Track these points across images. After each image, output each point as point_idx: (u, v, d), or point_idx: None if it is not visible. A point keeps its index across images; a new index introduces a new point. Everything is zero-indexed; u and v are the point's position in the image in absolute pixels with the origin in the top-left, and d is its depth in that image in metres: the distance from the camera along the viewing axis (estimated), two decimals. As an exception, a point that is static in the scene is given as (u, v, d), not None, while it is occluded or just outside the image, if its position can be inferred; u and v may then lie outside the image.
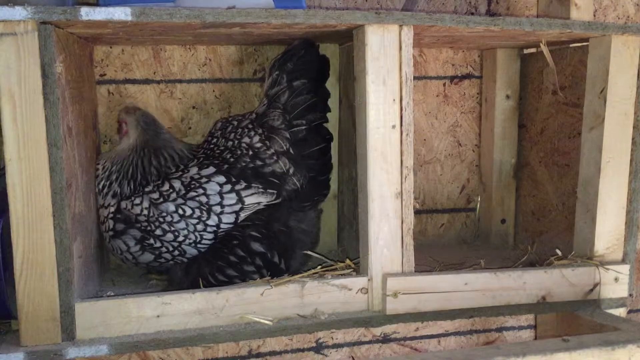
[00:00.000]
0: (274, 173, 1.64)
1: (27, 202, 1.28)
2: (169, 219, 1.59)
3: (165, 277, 1.74)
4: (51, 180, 1.29)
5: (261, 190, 1.62)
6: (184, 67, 1.90)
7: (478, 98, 2.16)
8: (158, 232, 1.59)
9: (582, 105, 1.70)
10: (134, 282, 1.73)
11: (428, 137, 2.13)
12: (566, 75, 1.82)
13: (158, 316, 1.41)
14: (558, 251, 1.71)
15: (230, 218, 1.60)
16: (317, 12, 1.41)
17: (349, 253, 1.82)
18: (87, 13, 1.28)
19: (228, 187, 1.60)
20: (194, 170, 1.63)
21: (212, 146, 1.70)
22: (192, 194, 1.59)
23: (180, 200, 1.59)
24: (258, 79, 1.94)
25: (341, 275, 1.55)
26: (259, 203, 1.62)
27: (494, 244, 2.12)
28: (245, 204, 1.61)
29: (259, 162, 1.64)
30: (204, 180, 1.61)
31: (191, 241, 1.60)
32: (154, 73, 1.88)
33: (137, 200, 1.61)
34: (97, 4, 1.37)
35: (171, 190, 1.60)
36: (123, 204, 1.61)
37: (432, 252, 1.97)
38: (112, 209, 1.62)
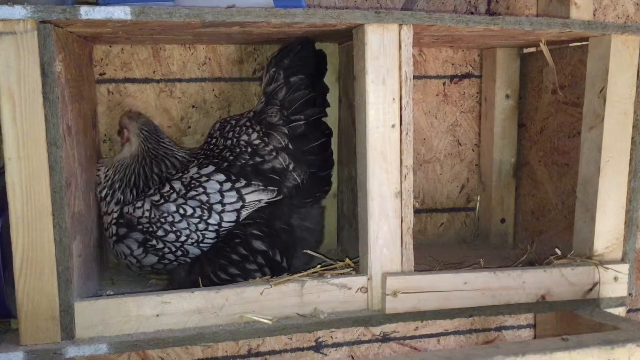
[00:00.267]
0: (273, 169, 1.64)
1: (27, 201, 1.28)
2: (170, 219, 1.59)
3: (165, 277, 1.74)
4: (50, 179, 1.29)
5: (261, 187, 1.62)
6: (184, 66, 1.90)
7: (478, 97, 2.16)
8: (160, 233, 1.59)
9: (582, 105, 1.70)
10: (133, 281, 1.73)
11: (428, 137, 2.13)
12: (566, 75, 1.82)
13: (157, 315, 1.41)
14: (557, 250, 1.71)
15: (232, 216, 1.60)
16: (316, 11, 1.41)
17: (349, 252, 1.82)
18: (87, 12, 1.28)
19: (228, 185, 1.60)
20: (193, 170, 1.63)
21: (211, 146, 1.70)
22: (193, 193, 1.59)
23: (180, 200, 1.59)
24: (258, 78, 1.94)
25: (341, 274, 1.55)
26: (259, 200, 1.62)
27: (493, 243, 2.12)
28: (246, 201, 1.61)
29: (258, 159, 1.63)
30: (203, 179, 1.61)
31: (193, 241, 1.61)
32: (154, 72, 1.88)
33: (139, 204, 1.61)
34: (96, 3, 1.37)
35: (171, 191, 1.60)
36: (125, 209, 1.62)
37: (431, 252, 1.97)
38: (115, 215, 1.63)
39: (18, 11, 1.23)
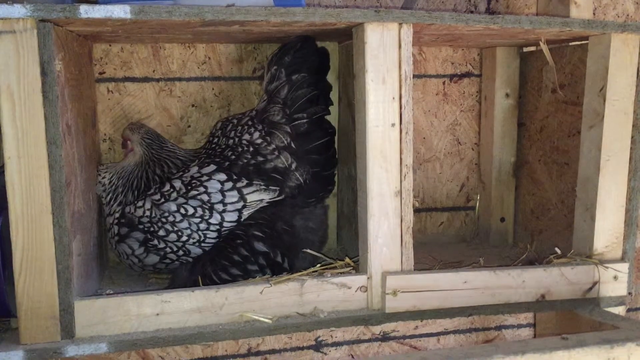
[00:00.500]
0: (276, 169, 1.63)
1: (27, 200, 1.28)
2: (171, 219, 1.59)
3: (166, 276, 1.74)
4: (50, 178, 1.29)
5: (263, 187, 1.62)
6: (184, 65, 1.90)
7: (477, 96, 2.16)
8: (161, 232, 1.59)
9: (582, 104, 1.70)
10: (133, 281, 1.73)
11: (427, 136, 2.13)
12: (566, 74, 1.82)
13: (157, 314, 1.41)
14: (557, 249, 1.71)
15: (233, 216, 1.60)
16: (316, 10, 1.41)
17: (349, 251, 1.82)
18: (86, 11, 1.28)
19: (229, 184, 1.60)
20: (194, 170, 1.63)
21: (213, 145, 1.70)
22: (194, 192, 1.59)
23: (181, 200, 1.59)
24: (257, 77, 1.94)
25: (340, 273, 1.55)
26: (261, 200, 1.62)
27: (493, 243, 2.12)
28: (248, 201, 1.60)
29: (260, 158, 1.63)
30: (204, 178, 1.61)
31: (195, 240, 1.60)
32: (154, 71, 1.88)
33: (140, 203, 1.62)
34: (96, 2, 1.36)
35: (172, 190, 1.60)
36: (127, 209, 1.63)
37: (431, 251, 1.97)
38: (117, 215, 1.63)
39: (17, 10, 1.23)
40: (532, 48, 2.02)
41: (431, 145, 2.14)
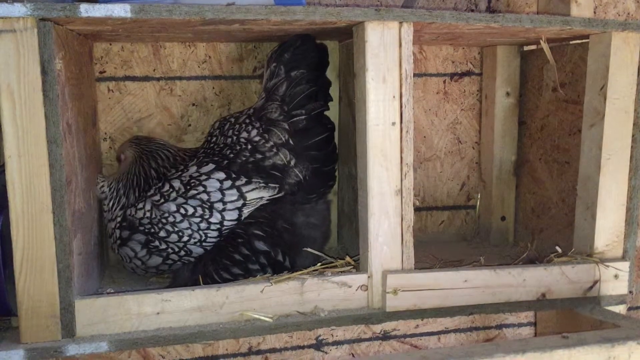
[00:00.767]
0: (275, 166, 1.63)
1: (27, 199, 1.28)
2: (171, 219, 1.59)
3: (167, 276, 1.74)
4: (51, 177, 1.29)
5: (262, 184, 1.62)
6: (184, 64, 1.90)
7: (478, 95, 2.16)
8: (162, 233, 1.59)
9: (582, 102, 1.70)
10: (134, 280, 1.73)
11: (428, 135, 2.13)
12: (566, 72, 1.82)
13: (158, 313, 1.41)
14: (558, 248, 1.71)
15: (234, 215, 1.60)
16: (316, 8, 1.40)
17: (349, 250, 1.82)
18: (87, 10, 1.28)
19: (228, 183, 1.60)
20: (193, 169, 1.63)
21: (211, 145, 1.70)
22: (193, 192, 1.59)
23: (180, 200, 1.59)
24: (258, 76, 1.94)
25: (341, 272, 1.55)
26: (261, 198, 1.62)
27: (493, 241, 2.12)
28: (247, 199, 1.60)
29: (258, 156, 1.63)
30: (203, 177, 1.61)
31: (196, 240, 1.60)
32: (154, 70, 1.88)
33: (140, 205, 1.62)
34: (96, 1, 1.37)
35: (171, 190, 1.60)
36: (128, 212, 1.63)
37: (432, 250, 1.97)
38: (119, 219, 1.64)
39: (18, 9, 1.23)
40: (533, 47, 2.02)
41: (432, 144, 2.14)
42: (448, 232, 2.20)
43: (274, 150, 1.64)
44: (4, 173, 1.28)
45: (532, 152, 2.02)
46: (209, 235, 1.61)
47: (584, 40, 1.73)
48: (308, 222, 1.69)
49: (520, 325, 2.32)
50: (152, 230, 1.60)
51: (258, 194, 1.61)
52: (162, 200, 1.60)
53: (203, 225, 1.59)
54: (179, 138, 1.92)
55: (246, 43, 1.92)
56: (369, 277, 1.52)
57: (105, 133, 1.87)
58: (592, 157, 1.66)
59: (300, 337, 2.12)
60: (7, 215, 1.30)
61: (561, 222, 1.87)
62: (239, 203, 1.60)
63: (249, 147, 1.64)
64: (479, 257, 1.74)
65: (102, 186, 1.69)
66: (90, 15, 1.28)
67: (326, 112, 1.71)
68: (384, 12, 1.44)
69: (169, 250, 1.61)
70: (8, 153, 1.27)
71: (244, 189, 1.60)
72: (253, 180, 1.61)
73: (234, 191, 1.60)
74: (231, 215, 1.60)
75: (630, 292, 1.70)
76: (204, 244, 1.62)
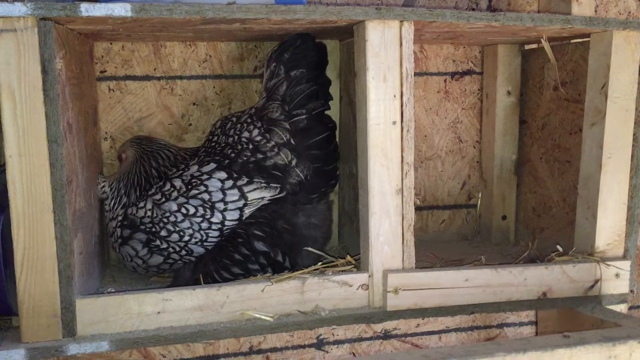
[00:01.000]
0: (276, 166, 1.63)
1: (28, 199, 1.28)
2: (172, 218, 1.59)
3: (168, 275, 1.74)
4: (51, 177, 1.29)
5: (264, 184, 1.61)
6: (185, 64, 1.90)
7: (479, 94, 2.15)
8: (163, 233, 1.59)
9: (583, 101, 1.70)
10: (134, 279, 1.73)
11: (429, 134, 2.13)
12: (567, 71, 1.82)
13: (159, 312, 1.41)
14: (559, 247, 1.71)
15: (235, 215, 1.60)
16: (317, 7, 1.40)
17: (350, 249, 1.82)
18: (87, 9, 1.28)
19: (230, 183, 1.60)
20: (194, 168, 1.63)
21: (213, 144, 1.70)
22: (194, 192, 1.59)
23: (182, 199, 1.59)
24: (259, 75, 1.94)
25: (342, 271, 1.55)
26: (262, 198, 1.62)
27: (494, 241, 2.12)
28: (249, 199, 1.60)
29: (260, 156, 1.63)
30: (204, 177, 1.60)
31: (197, 240, 1.60)
32: (155, 69, 1.88)
33: (141, 204, 1.62)
34: (97, 0, 1.36)
35: (172, 189, 1.60)
36: (129, 210, 1.63)
37: (432, 249, 1.96)
38: (120, 218, 1.64)
39: (18, 8, 1.23)
40: (534, 45, 2.01)
41: (432, 143, 2.14)
42: (449, 231, 2.20)
43: (276, 150, 1.63)
44: (5, 173, 1.28)
45: (533, 151, 2.01)
46: (210, 235, 1.61)
47: (584, 39, 1.73)
48: (309, 222, 1.68)
49: (521, 324, 2.32)
50: (154, 229, 1.60)
51: (259, 194, 1.61)
52: (164, 200, 1.60)
53: (204, 225, 1.59)
54: (180, 137, 1.92)
55: (247, 42, 1.92)
56: (369, 276, 1.52)
57: (106, 132, 1.87)
58: (593, 156, 1.66)
59: (301, 336, 2.12)
60: (8, 214, 1.30)
61: (562, 221, 1.87)
62: (240, 203, 1.60)
63: (251, 146, 1.64)
64: (479, 256, 1.74)
65: (103, 186, 1.70)
66: (91, 15, 1.28)
67: (327, 112, 1.71)
68: (384, 11, 1.43)
69: (170, 249, 1.61)
70: (9, 152, 1.27)
71: (246, 189, 1.60)
72: (254, 180, 1.61)
73: (236, 191, 1.60)
74: (232, 215, 1.60)
75: (632, 291, 1.70)
76: (205, 243, 1.61)
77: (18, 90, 1.25)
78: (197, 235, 1.60)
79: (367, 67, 1.46)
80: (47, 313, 1.33)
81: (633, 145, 1.65)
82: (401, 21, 1.46)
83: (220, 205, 1.59)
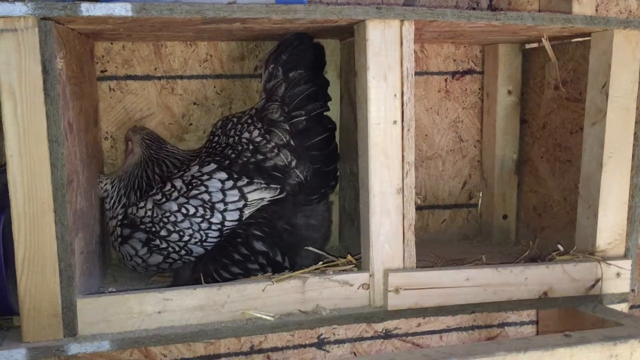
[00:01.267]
0: (276, 167, 1.63)
1: (28, 198, 1.28)
2: (172, 218, 1.59)
3: (168, 275, 1.74)
4: (52, 177, 1.29)
5: (264, 185, 1.61)
6: (185, 63, 1.90)
7: (480, 93, 2.15)
8: (163, 232, 1.59)
9: (584, 101, 1.69)
10: (135, 279, 1.73)
11: (429, 133, 2.13)
12: (568, 70, 1.82)
13: (159, 312, 1.41)
14: (560, 247, 1.71)
15: (234, 215, 1.60)
16: (317, 7, 1.40)
17: (351, 249, 1.81)
18: (88, 9, 1.28)
19: (230, 183, 1.60)
20: (195, 169, 1.63)
21: (213, 144, 1.70)
22: (195, 192, 1.59)
23: (182, 199, 1.59)
24: (259, 75, 1.94)
25: (342, 271, 1.55)
26: (262, 199, 1.62)
27: (495, 240, 2.12)
28: (249, 200, 1.60)
29: (260, 156, 1.63)
30: (205, 177, 1.60)
31: (197, 240, 1.60)
32: (155, 69, 1.88)
33: (142, 204, 1.62)
34: (97, 0, 1.36)
35: (173, 189, 1.60)
36: (129, 210, 1.63)
37: (433, 248, 1.96)
38: (120, 217, 1.64)
39: (19, 8, 1.23)
40: (534, 45, 2.01)
41: (433, 142, 2.14)
42: (450, 231, 2.20)
43: (275, 151, 1.63)
44: (6, 172, 1.28)
45: (533, 150, 2.01)
46: (209, 235, 1.61)
47: (585, 38, 1.73)
48: (308, 223, 1.68)
49: (522, 323, 2.32)
50: (153, 229, 1.60)
51: (259, 195, 1.61)
52: (164, 200, 1.60)
53: (204, 225, 1.59)
54: (181, 137, 1.92)
55: (247, 42, 1.92)
56: (370, 275, 1.52)
57: (107, 132, 1.87)
58: (593, 155, 1.66)
59: (302, 335, 2.12)
60: (8, 214, 1.30)
61: (563, 221, 1.87)
62: (240, 204, 1.60)
63: (251, 147, 1.64)
64: (480, 255, 1.74)
65: (105, 184, 1.69)
66: (91, 14, 1.28)
67: (327, 112, 1.71)
68: (385, 10, 1.43)
69: (170, 249, 1.61)
70: (9, 152, 1.27)
71: (246, 190, 1.60)
72: (254, 180, 1.61)
73: (236, 192, 1.60)
74: (232, 216, 1.60)
75: (633, 290, 1.70)
76: (204, 243, 1.62)
77: (19, 90, 1.25)
78: (197, 235, 1.60)
79: (368, 66, 1.46)
80: (48, 313, 1.33)
81: (634, 145, 1.65)
82: (402, 20, 1.46)
83: (220, 206, 1.59)
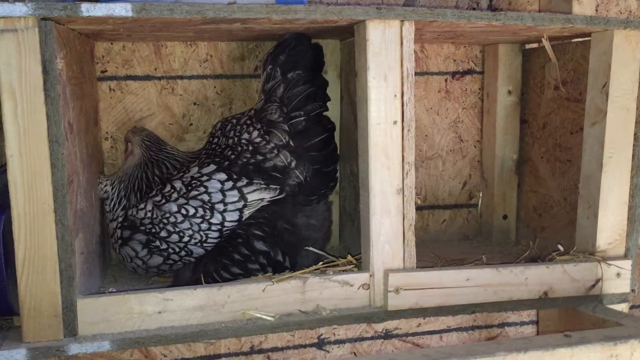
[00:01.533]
0: (275, 167, 1.63)
1: (29, 199, 1.28)
2: (172, 219, 1.59)
3: (169, 276, 1.74)
4: (52, 177, 1.29)
5: (263, 186, 1.61)
6: (185, 63, 1.90)
7: (480, 94, 2.15)
8: (163, 233, 1.59)
9: (584, 101, 1.69)
10: (135, 279, 1.73)
11: (429, 133, 2.13)
12: (568, 70, 1.82)
13: (160, 312, 1.41)
14: (560, 247, 1.71)
15: (234, 215, 1.60)
16: (317, 7, 1.40)
17: (351, 249, 1.82)
18: (88, 9, 1.28)
19: (229, 184, 1.60)
20: (194, 170, 1.63)
21: (213, 146, 1.70)
22: (194, 192, 1.59)
23: (182, 200, 1.59)
24: (259, 75, 1.94)
25: (343, 271, 1.55)
26: (262, 199, 1.62)
27: (495, 240, 2.12)
28: (248, 200, 1.60)
29: (259, 157, 1.63)
30: (204, 178, 1.60)
31: (197, 241, 1.60)
32: (155, 69, 1.88)
33: (142, 206, 1.62)
34: (97, 0, 1.37)
35: (172, 191, 1.61)
36: (129, 212, 1.64)
37: (433, 248, 1.96)
38: (120, 219, 1.64)
39: (19, 8, 1.23)
40: (535, 45, 2.01)
41: (433, 142, 2.14)
42: (450, 231, 2.20)
43: (275, 151, 1.63)
44: (6, 172, 1.28)
45: (533, 150, 2.01)
46: (209, 235, 1.61)
47: (585, 38, 1.73)
48: (309, 223, 1.68)
49: (522, 323, 2.32)
50: (153, 230, 1.60)
51: (259, 195, 1.61)
52: (164, 201, 1.60)
53: (204, 225, 1.59)
54: (181, 137, 1.92)
55: (247, 42, 1.92)
56: (370, 275, 1.52)
57: (107, 132, 1.87)
58: (594, 155, 1.66)
59: (302, 336, 2.12)
60: (9, 214, 1.30)
61: (563, 221, 1.87)
62: (240, 204, 1.60)
63: (250, 148, 1.64)
64: (480, 255, 1.74)
65: (105, 185, 1.70)
66: (92, 15, 1.28)
67: (327, 112, 1.71)
68: (385, 10, 1.43)
69: (170, 250, 1.61)
70: (10, 152, 1.27)
71: (245, 190, 1.60)
72: (254, 181, 1.61)
73: (235, 192, 1.60)
74: (232, 216, 1.60)
75: (633, 290, 1.70)
76: (204, 244, 1.61)
77: (19, 90, 1.25)
78: (197, 236, 1.60)
79: (368, 66, 1.46)
80: (48, 313, 1.33)
81: (634, 145, 1.65)
82: (402, 21, 1.46)
83: (220, 206, 1.59)
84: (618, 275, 1.66)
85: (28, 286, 1.31)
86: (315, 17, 1.41)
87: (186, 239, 1.60)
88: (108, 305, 1.38)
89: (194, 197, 1.59)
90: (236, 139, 1.66)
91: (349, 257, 1.62)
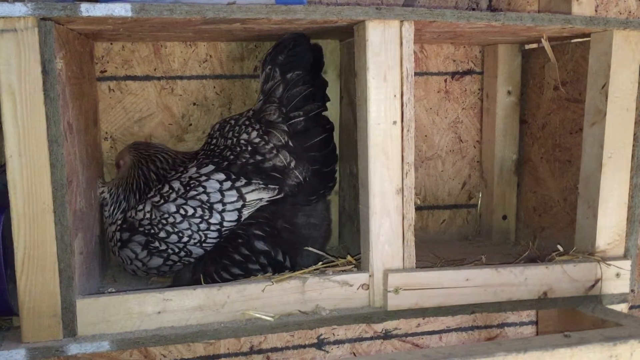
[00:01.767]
0: (274, 167, 1.63)
1: (28, 199, 1.28)
2: (171, 220, 1.59)
3: (168, 276, 1.74)
4: (52, 177, 1.29)
5: (262, 186, 1.61)
6: (185, 64, 1.90)
7: (479, 94, 2.15)
8: (162, 234, 1.59)
9: (584, 101, 1.70)
10: (135, 279, 1.73)
11: (429, 133, 2.13)
12: (568, 71, 1.82)
13: (159, 312, 1.41)
14: (559, 247, 1.71)
15: (233, 216, 1.60)
16: (317, 7, 1.40)
17: (350, 249, 1.82)
18: (87, 9, 1.28)
19: (228, 184, 1.60)
20: (192, 170, 1.63)
21: (212, 147, 1.70)
22: (193, 193, 1.59)
23: (180, 201, 1.59)
24: (259, 75, 1.94)
25: (342, 271, 1.55)
26: (261, 199, 1.62)
27: (495, 240, 2.12)
28: (247, 200, 1.60)
29: (258, 157, 1.63)
30: (203, 178, 1.60)
31: (196, 241, 1.60)
32: (155, 69, 1.88)
33: (140, 207, 1.62)
34: (97, 0, 1.37)
35: (171, 191, 1.60)
36: (128, 214, 1.64)
37: (433, 248, 1.97)
38: (119, 222, 1.64)
39: (19, 8, 1.23)
40: (534, 45, 2.01)
41: (433, 142, 2.14)
42: (449, 231, 2.20)
43: (274, 152, 1.63)
44: (5, 173, 1.28)
45: (533, 150, 2.01)
46: (208, 236, 1.60)
47: (585, 39, 1.73)
48: (308, 222, 1.68)
49: (521, 324, 2.32)
50: (152, 231, 1.60)
51: (258, 195, 1.61)
52: (162, 201, 1.60)
53: (203, 225, 1.59)
54: (180, 137, 1.92)
55: (247, 42, 1.92)
56: (370, 276, 1.52)
57: (106, 132, 1.87)
58: (593, 155, 1.66)
59: (302, 336, 2.12)
60: (8, 215, 1.30)
61: (563, 221, 1.87)
62: (239, 204, 1.60)
63: (249, 148, 1.64)
64: (480, 255, 1.74)
65: (102, 192, 1.70)
66: (91, 15, 1.28)
67: (326, 112, 1.71)
68: (385, 10, 1.43)
69: (169, 251, 1.61)
70: (9, 153, 1.27)
71: (244, 190, 1.60)
72: (253, 181, 1.61)
73: (234, 192, 1.60)
74: (231, 216, 1.60)
75: (632, 290, 1.70)
76: (203, 244, 1.61)
77: (18, 90, 1.25)
78: (196, 236, 1.60)
79: (368, 66, 1.46)
80: (47, 313, 1.33)
81: (633, 145, 1.65)
82: (401, 21, 1.46)
83: (219, 206, 1.59)
84: (617, 275, 1.66)
85: (27, 286, 1.31)
86: (315, 18, 1.40)
87: (185, 239, 1.60)
88: (107, 306, 1.38)
89: (193, 197, 1.59)
90: (235, 139, 1.66)
91: (349, 257, 1.62)
